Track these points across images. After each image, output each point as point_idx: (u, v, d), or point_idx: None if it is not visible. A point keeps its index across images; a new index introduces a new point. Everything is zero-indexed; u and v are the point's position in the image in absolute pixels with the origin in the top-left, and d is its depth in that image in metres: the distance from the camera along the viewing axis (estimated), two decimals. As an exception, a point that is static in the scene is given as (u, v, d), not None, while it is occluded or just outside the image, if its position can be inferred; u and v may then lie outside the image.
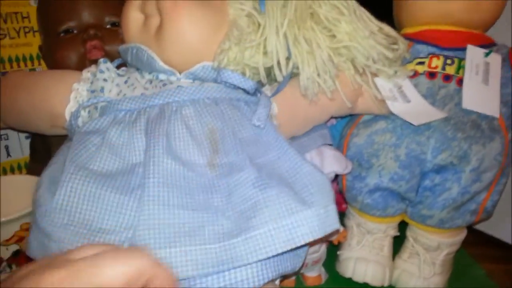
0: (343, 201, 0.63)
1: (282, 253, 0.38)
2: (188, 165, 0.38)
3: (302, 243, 0.35)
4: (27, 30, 0.59)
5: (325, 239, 0.51)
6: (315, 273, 0.56)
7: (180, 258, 0.34)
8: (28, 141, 0.61)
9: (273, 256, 0.37)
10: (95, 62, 0.51)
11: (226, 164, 0.39)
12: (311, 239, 0.35)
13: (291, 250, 0.40)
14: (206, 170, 0.38)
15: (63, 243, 0.35)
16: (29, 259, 0.50)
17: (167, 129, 0.41)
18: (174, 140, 0.40)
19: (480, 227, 0.67)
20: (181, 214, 0.35)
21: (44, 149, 0.55)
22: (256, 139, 0.41)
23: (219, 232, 0.35)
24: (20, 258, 0.50)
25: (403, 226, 0.57)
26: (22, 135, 0.61)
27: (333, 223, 0.37)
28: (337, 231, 0.52)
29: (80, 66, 0.51)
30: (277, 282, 0.42)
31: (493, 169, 0.50)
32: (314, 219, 0.35)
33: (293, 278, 0.56)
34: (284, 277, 0.50)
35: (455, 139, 0.49)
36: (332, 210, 0.38)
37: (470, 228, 0.58)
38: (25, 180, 0.55)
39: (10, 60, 0.59)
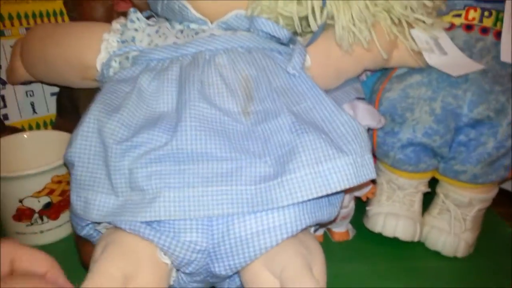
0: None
1: (318, 200, 0.38)
2: (223, 110, 0.38)
3: (338, 189, 0.35)
4: (49, -14, 0.58)
5: (359, 189, 0.51)
6: (343, 229, 0.56)
7: (216, 197, 0.34)
8: (54, 98, 0.61)
9: (310, 202, 0.36)
10: (122, 14, 0.50)
11: (261, 111, 0.38)
12: (346, 186, 0.35)
13: (327, 198, 0.40)
14: (241, 118, 0.38)
15: None
16: (59, 211, 0.51)
17: (201, 77, 0.40)
18: (208, 87, 0.39)
19: (509, 187, 0.66)
20: (218, 156, 0.35)
21: (71, 104, 0.55)
22: (291, 88, 0.40)
23: (255, 175, 0.35)
24: (51, 209, 0.50)
25: (432, 184, 0.56)
26: (48, 92, 0.61)
27: (369, 173, 0.37)
28: (369, 184, 0.52)
29: (107, 18, 0.50)
30: (312, 231, 0.42)
31: (531, 123, 0.49)
32: (351, 167, 0.35)
33: (321, 233, 0.56)
34: (316, 230, 0.50)
35: (492, 92, 0.48)
36: (368, 159, 0.37)
37: (500, 189, 0.58)
38: (53, 135, 0.55)
39: (34, 15, 0.58)
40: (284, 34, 0.43)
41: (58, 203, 0.51)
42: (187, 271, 0.36)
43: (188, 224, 0.35)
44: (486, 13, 0.51)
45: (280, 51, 0.44)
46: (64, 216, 0.52)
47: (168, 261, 0.36)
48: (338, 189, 0.35)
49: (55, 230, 0.52)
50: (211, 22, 0.44)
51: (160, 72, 0.41)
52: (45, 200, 0.49)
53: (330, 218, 0.41)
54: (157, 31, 0.45)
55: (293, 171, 0.35)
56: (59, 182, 0.50)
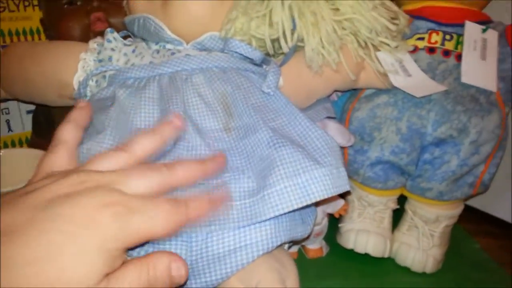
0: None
1: (293, 218, 0.39)
2: (206, 131, 0.39)
3: (317, 199, 0.36)
4: (26, 3, 0.59)
5: (331, 201, 0.52)
6: (316, 246, 0.57)
7: None
8: (30, 115, 0.61)
9: (285, 220, 0.38)
10: (98, 34, 0.51)
11: (241, 126, 0.40)
12: (325, 196, 0.36)
13: (300, 217, 0.41)
14: (223, 135, 0.39)
15: None
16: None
17: (183, 98, 0.41)
18: (189, 108, 0.40)
19: (475, 204, 0.68)
20: None
21: (48, 123, 0.55)
22: (266, 105, 0.42)
23: (240, 191, 0.36)
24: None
25: (402, 201, 0.58)
26: (24, 110, 0.61)
27: (344, 184, 0.38)
28: (342, 202, 0.54)
29: (84, 38, 0.51)
30: (286, 248, 0.43)
31: (491, 142, 0.51)
32: (328, 177, 0.36)
33: (296, 250, 0.57)
34: (289, 248, 0.51)
35: (454, 112, 0.51)
36: (343, 172, 0.39)
37: (466, 206, 0.60)
38: (28, 153, 0.54)
39: (10, 33, 0.59)
40: (257, 55, 0.45)
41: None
42: None
43: (167, 243, 0.36)
44: (447, 37, 0.54)
45: (254, 71, 0.45)
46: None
47: None
48: (318, 199, 0.36)
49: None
50: (187, 43, 0.46)
51: (137, 89, 0.42)
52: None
53: (304, 236, 0.42)
54: (133, 51, 0.46)
55: (273, 185, 0.36)
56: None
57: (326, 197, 0.36)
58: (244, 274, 0.36)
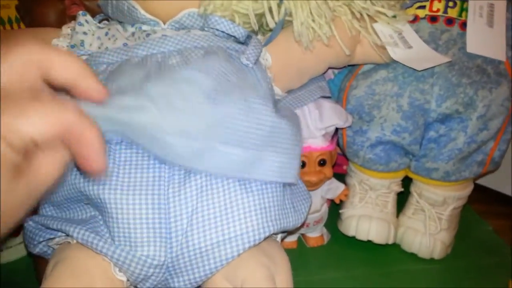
0: (344, 162, 0.60)
1: (283, 207, 0.36)
2: None
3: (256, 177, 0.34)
4: (4, -9, 0.56)
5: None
6: (317, 234, 0.54)
7: None
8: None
9: (274, 208, 0.35)
10: (75, 18, 0.48)
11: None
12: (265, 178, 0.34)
13: (292, 205, 0.38)
14: None
15: None
16: (20, 228, 0.49)
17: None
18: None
19: (485, 183, 0.65)
20: None
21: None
22: (244, 82, 0.38)
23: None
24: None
25: (407, 183, 0.54)
26: None
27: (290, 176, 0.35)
28: (341, 187, 0.51)
29: (60, 23, 0.48)
30: (279, 239, 0.40)
31: (501, 116, 0.47)
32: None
33: (295, 239, 0.54)
34: (285, 237, 0.48)
35: (460, 85, 0.47)
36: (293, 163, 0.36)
37: (476, 185, 0.56)
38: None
39: (-13, 23, 0.56)
40: (240, 32, 0.42)
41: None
42: (144, 287, 0.34)
43: (145, 236, 0.33)
44: (450, 3, 0.50)
45: (237, 49, 0.42)
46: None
47: (123, 278, 0.34)
48: (212, 171, 0.33)
49: (16, 248, 0.50)
50: (164, 23, 0.42)
51: (109, 75, 0.39)
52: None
53: (296, 225, 0.39)
54: (106, 34, 0.43)
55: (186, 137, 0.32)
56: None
57: (223, 173, 0.33)
58: (229, 271, 0.33)
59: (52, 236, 0.36)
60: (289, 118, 0.37)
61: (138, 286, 0.35)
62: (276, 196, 0.35)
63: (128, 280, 0.34)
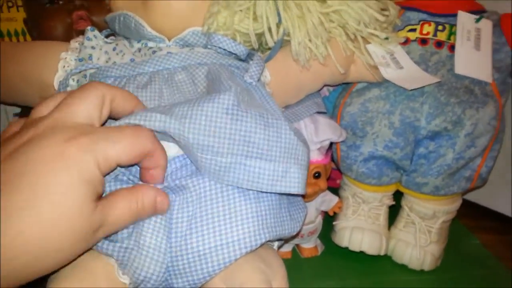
0: (337, 177, 0.62)
1: (279, 214, 0.38)
2: None
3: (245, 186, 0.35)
4: (10, 4, 0.58)
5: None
6: (311, 245, 0.55)
7: None
8: (16, 118, 0.60)
9: (270, 216, 0.36)
10: (82, 33, 0.50)
11: None
12: (253, 187, 0.35)
13: (289, 213, 0.39)
14: None
15: None
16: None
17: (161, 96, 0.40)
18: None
19: (474, 199, 0.67)
20: None
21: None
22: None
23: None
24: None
25: (398, 197, 0.56)
26: (10, 113, 0.60)
27: (287, 186, 0.36)
28: (335, 199, 0.53)
29: (67, 37, 0.50)
30: (275, 247, 0.41)
31: (487, 134, 0.49)
32: (266, 172, 0.35)
33: (290, 249, 0.55)
34: (281, 246, 0.50)
35: (448, 104, 0.49)
36: (293, 173, 0.37)
37: (464, 200, 0.58)
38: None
39: (-6, 35, 0.58)
40: (241, 50, 0.44)
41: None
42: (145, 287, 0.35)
43: (148, 238, 0.34)
44: (440, 27, 0.52)
45: (238, 66, 0.44)
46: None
47: (126, 281, 0.35)
48: (243, 186, 0.35)
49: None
50: (169, 40, 0.44)
51: None
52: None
53: (292, 233, 0.40)
54: (114, 49, 0.45)
55: (212, 154, 0.35)
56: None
57: (256, 189, 0.35)
58: (227, 275, 0.34)
59: None
60: (297, 132, 0.39)
61: (140, 287, 0.36)
62: (272, 204, 0.37)
63: (130, 279, 0.35)
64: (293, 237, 0.46)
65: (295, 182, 0.36)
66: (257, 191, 0.36)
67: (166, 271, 0.35)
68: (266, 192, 0.37)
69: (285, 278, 0.36)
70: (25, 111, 0.57)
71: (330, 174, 0.55)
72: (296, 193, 0.36)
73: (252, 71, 0.41)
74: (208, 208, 0.35)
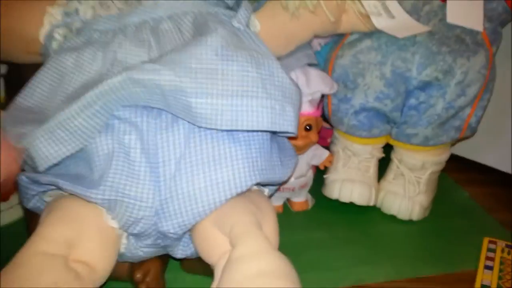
0: (327, 136, 0.63)
1: (270, 159, 0.38)
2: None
3: (244, 128, 0.35)
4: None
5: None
6: (302, 199, 0.56)
7: None
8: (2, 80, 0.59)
9: (261, 159, 0.37)
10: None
11: None
12: (254, 127, 0.35)
13: (279, 159, 0.40)
14: None
15: None
16: (10, 193, 0.50)
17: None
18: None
19: (462, 153, 0.68)
20: None
21: (21, 84, 0.53)
22: (238, 42, 0.39)
23: (166, 80, 0.35)
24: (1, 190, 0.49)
25: (388, 150, 0.57)
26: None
27: (285, 124, 0.36)
28: (326, 153, 0.53)
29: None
30: (266, 193, 0.42)
31: (478, 83, 0.50)
32: (265, 110, 0.35)
33: (281, 203, 0.56)
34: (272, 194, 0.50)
35: (440, 53, 0.49)
36: (289, 112, 0.37)
37: (453, 155, 0.59)
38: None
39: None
40: (229, -4, 0.43)
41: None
42: (135, 231, 0.35)
43: (135, 179, 0.35)
44: (432, -23, 0.51)
45: (226, 14, 0.43)
46: (15, 198, 0.51)
47: (115, 225, 0.35)
48: (245, 128, 0.35)
49: (6, 212, 0.50)
50: (155, -12, 0.43)
51: (104, 44, 0.40)
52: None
53: (283, 179, 0.41)
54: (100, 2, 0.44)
55: (203, 96, 0.34)
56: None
57: (255, 128, 0.35)
58: (218, 217, 0.35)
59: (44, 189, 0.38)
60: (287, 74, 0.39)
61: (129, 230, 0.36)
62: (263, 147, 0.37)
63: (119, 223, 0.35)
64: (284, 182, 0.45)
65: (291, 121, 0.36)
66: (248, 131, 0.36)
67: (155, 214, 0.35)
68: (257, 134, 0.37)
69: (276, 222, 0.37)
70: (12, 70, 0.56)
71: (321, 133, 0.55)
72: (291, 132, 0.36)
73: (240, 15, 0.40)
74: (197, 150, 0.35)
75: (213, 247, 0.35)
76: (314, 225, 0.53)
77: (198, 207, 0.34)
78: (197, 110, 0.34)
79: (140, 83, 0.33)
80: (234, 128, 0.34)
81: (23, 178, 0.37)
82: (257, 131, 0.37)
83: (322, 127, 0.57)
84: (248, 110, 0.34)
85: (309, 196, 0.57)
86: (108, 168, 0.34)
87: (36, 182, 0.37)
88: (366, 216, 0.55)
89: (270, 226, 0.35)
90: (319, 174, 0.57)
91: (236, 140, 0.36)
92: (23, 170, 0.38)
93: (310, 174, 0.55)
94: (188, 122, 0.35)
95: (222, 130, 0.36)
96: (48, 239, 0.32)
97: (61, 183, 0.34)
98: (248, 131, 0.37)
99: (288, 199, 0.57)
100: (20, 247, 0.32)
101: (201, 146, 0.35)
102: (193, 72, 0.34)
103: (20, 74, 0.53)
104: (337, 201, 0.55)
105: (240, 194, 0.35)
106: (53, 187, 0.37)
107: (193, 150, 0.35)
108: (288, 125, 0.36)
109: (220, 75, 0.34)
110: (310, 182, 0.56)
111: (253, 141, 0.37)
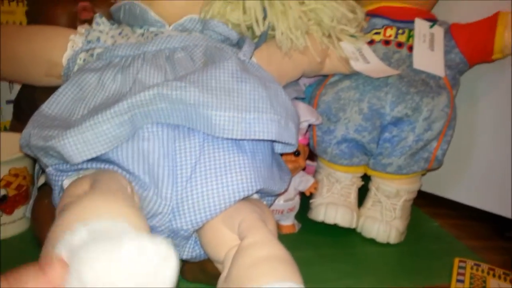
0: (310, 172, 0.69)
1: (272, 171, 0.44)
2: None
3: (257, 137, 0.40)
4: (11, -1, 0.62)
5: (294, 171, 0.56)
6: (289, 222, 0.61)
7: None
8: (9, 106, 0.63)
9: (264, 168, 0.42)
10: (84, 22, 0.55)
11: None
12: (265, 137, 0.40)
13: (279, 174, 0.45)
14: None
15: None
16: (14, 206, 0.52)
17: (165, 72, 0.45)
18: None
19: (430, 189, 0.74)
20: None
21: (30, 107, 0.57)
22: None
23: (186, 98, 0.39)
24: (7, 203, 0.51)
25: (366, 181, 0.63)
26: (3, 100, 0.63)
27: (289, 138, 0.42)
28: (311, 180, 0.59)
29: (70, 26, 0.55)
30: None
31: (442, 120, 0.57)
32: (274, 124, 0.41)
33: (270, 226, 0.60)
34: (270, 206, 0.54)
35: (408, 93, 0.57)
36: (292, 128, 0.43)
37: (423, 192, 0.67)
38: (9, 137, 0.56)
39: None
40: (233, 35, 0.50)
41: (14, 197, 0.52)
42: (151, 224, 0.39)
43: (157, 177, 0.39)
44: (400, 31, 0.61)
45: (231, 50, 0.50)
46: (19, 212, 0.53)
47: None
48: (258, 137, 0.40)
49: (9, 226, 0.53)
50: (169, 25, 0.50)
51: (123, 67, 0.46)
52: (1, 192, 0.50)
53: (280, 190, 0.46)
54: (120, 33, 0.50)
55: (221, 109, 0.39)
56: (16, 175, 0.51)
57: (265, 137, 0.40)
58: (226, 217, 0.39)
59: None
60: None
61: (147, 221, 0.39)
62: (265, 159, 0.43)
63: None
64: (280, 194, 0.50)
65: (292, 135, 0.42)
66: (253, 144, 0.42)
67: (171, 212, 0.39)
68: (261, 147, 0.42)
69: (275, 224, 0.41)
70: (23, 95, 0.60)
71: (305, 170, 0.61)
72: (293, 144, 0.42)
73: (245, 49, 0.47)
74: (210, 157, 0.40)
75: (222, 243, 0.38)
76: (300, 245, 0.58)
77: (210, 206, 0.38)
78: (216, 121, 0.39)
79: (168, 98, 0.38)
80: (247, 137, 0.40)
81: (50, 170, 0.41)
82: (263, 141, 0.42)
83: (306, 164, 0.63)
84: (259, 123, 0.40)
85: (296, 222, 0.62)
86: (132, 168, 0.38)
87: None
88: (349, 238, 0.60)
89: (272, 226, 0.40)
90: (305, 200, 0.62)
91: (243, 151, 0.41)
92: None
93: (297, 199, 0.60)
94: (203, 133, 0.41)
95: (231, 142, 0.41)
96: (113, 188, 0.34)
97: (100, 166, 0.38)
98: (253, 143, 0.42)
99: (276, 223, 0.61)
100: (21, 261, 0.29)
101: (214, 154, 0.40)
102: (213, 89, 0.40)
103: (33, 101, 0.58)
104: (322, 224, 0.60)
105: (246, 199, 0.40)
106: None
107: (207, 157, 0.40)
108: (291, 138, 0.42)
109: (236, 93, 0.40)
110: (297, 207, 0.60)
111: (257, 152, 0.42)
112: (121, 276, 0.23)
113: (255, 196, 0.44)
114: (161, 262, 0.24)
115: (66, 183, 0.40)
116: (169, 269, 0.25)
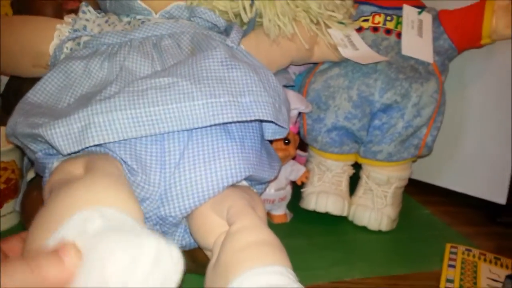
0: (301, 162, 0.68)
1: (261, 158, 0.43)
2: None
3: (254, 118, 0.40)
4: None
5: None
6: (281, 212, 0.60)
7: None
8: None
9: (253, 155, 0.42)
10: (70, 12, 0.54)
11: None
12: (263, 117, 0.40)
13: (268, 161, 0.45)
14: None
15: None
16: (3, 201, 0.52)
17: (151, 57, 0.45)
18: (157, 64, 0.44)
19: (421, 177, 0.74)
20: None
21: (18, 101, 0.57)
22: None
23: (180, 93, 0.38)
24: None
25: (357, 170, 0.63)
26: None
27: (284, 121, 0.42)
28: (302, 169, 0.58)
29: (57, 16, 0.54)
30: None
31: (431, 105, 0.57)
32: (270, 106, 0.40)
33: (261, 215, 0.60)
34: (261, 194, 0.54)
35: (397, 79, 0.57)
36: (284, 112, 0.43)
37: (414, 180, 0.68)
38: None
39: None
40: (221, 22, 0.50)
41: (3, 191, 0.51)
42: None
43: (140, 173, 0.38)
44: (388, 18, 0.61)
45: (219, 36, 0.50)
46: (8, 206, 0.53)
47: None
48: (256, 117, 0.40)
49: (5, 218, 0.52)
50: (155, 13, 0.50)
51: (110, 55, 0.45)
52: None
53: (270, 178, 0.45)
54: (106, 21, 0.50)
55: (217, 96, 0.38)
56: (5, 169, 0.51)
57: (264, 118, 0.40)
58: (215, 204, 0.39)
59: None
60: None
61: None
62: (255, 145, 0.42)
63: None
64: (270, 181, 0.50)
65: (285, 119, 0.42)
66: (242, 131, 0.41)
67: (159, 199, 0.39)
68: (249, 133, 0.42)
69: (265, 210, 0.41)
70: (11, 87, 0.59)
71: (296, 159, 0.61)
72: (285, 128, 0.42)
73: (233, 36, 0.47)
74: (199, 143, 0.40)
75: (211, 229, 0.38)
76: (293, 234, 0.57)
77: (198, 192, 0.38)
78: (205, 110, 0.38)
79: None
80: (247, 118, 0.39)
81: (39, 155, 0.40)
82: (252, 128, 0.42)
83: (297, 154, 0.63)
84: (256, 105, 0.40)
85: (288, 211, 0.62)
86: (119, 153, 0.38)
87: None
88: (341, 226, 0.60)
89: (261, 212, 0.39)
90: (297, 190, 0.62)
91: (232, 137, 0.41)
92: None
93: (289, 189, 0.60)
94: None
95: (220, 128, 0.41)
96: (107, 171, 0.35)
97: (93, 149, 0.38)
98: (242, 130, 0.42)
99: (268, 212, 0.61)
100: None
101: (202, 140, 0.40)
102: (205, 79, 0.39)
103: (21, 93, 0.57)
104: (314, 213, 0.60)
105: (235, 186, 0.40)
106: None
107: (195, 143, 0.40)
108: (285, 122, 0.42)
109: (228, 80, 0.40)
110: (289, 196, 0.60)
111: (246, 139, 0.42)
112: (139, 276, 0.24)
113: (245, 183, 0.44)
114: (173, 267, 0.25)
115: (56, 165, 0.39)
116: (178, 274, 0.25)
